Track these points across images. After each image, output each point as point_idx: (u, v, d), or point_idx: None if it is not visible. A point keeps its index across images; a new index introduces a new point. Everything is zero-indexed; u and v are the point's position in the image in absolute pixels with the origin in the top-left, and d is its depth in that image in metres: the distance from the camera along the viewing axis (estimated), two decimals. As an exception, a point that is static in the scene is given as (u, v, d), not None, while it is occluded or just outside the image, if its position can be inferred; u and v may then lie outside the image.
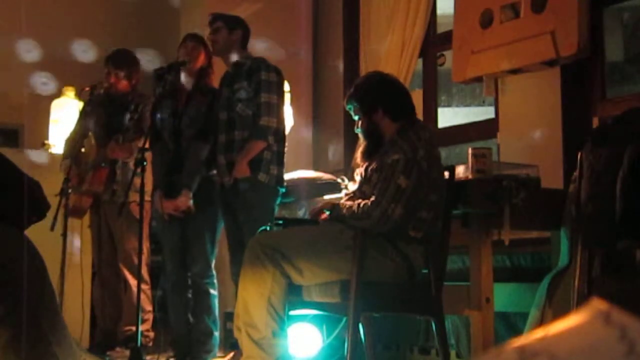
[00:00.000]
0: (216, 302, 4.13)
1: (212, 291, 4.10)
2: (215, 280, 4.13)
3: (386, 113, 3.14)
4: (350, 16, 5.48)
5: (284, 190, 3.93)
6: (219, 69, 4.18)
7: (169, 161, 4.11)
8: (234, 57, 4.01)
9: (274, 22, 5.45)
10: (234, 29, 4.01)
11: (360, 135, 3.26)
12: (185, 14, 5.65)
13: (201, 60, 4.15)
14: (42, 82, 5.69)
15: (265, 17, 5.34)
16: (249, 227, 3.69)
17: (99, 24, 6.01)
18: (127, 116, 4.43)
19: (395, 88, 3.26)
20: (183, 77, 4.16)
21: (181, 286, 4.15)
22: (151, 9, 6.23)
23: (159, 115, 4.14)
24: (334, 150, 5.49)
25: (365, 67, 5.18)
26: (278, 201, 3.93)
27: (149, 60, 5.14)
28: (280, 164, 3.91)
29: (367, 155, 3.15)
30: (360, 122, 3.20)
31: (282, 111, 3.95)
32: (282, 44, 5.42)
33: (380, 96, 3.17)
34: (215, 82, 4.18)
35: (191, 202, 4.00)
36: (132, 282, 4.30)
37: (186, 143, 4.09)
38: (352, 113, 3.26)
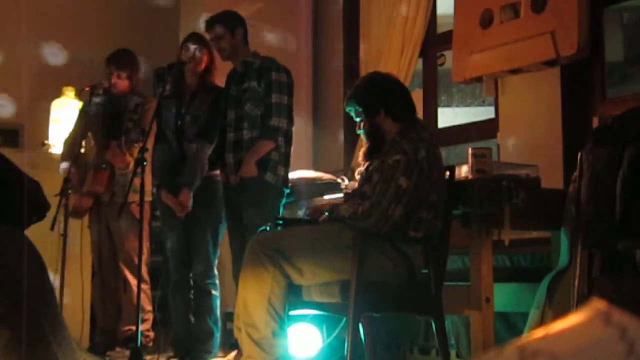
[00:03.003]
0: (218, 302, 4.13)
1: (213, 292, 4.10)
2: (217, 281, 4.13)
3: (388, 114, 3.13)
4: (350, 16, 5.48)
5: (288, 191, 3.93)
6: (224, 66, 4.17)
7: (172, 161, 4.11)
8: (242, 56, 4.00)
9: (274, 22, 5.45)
10: (234, 29, 3.99)
11: (362, 136, 3.25)
12: (185, 14, 5.65)
13: (204, 60, 4.14)
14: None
15: (265, 17, 5.34)
16: (253, 226, 3.69)
17: (98, 23, 6.00)
18: (127, 116, 4.42)
19: (396, 88, 3.25)
20: (187, 76, 4.16)
21: (182, 286, 4.15)
22: (151, 9, 6.22)
23: (163, 115, 4.14)
24: (334, 150, 5.49)
25: (365, 67, 5.17)
26: (283, 201, 3.93)
27: (148, 61, 5.14)
28: (286, 165, 3.92)
29: (369, 155, 3.15)
30: (362, 124, 3.19)
31: (292, 112, 3.96)
32: (282, 43, 5.42)
33: (381, 97, 3.16)
34: (219, 80, 4.17)
35: (190, 201, 4.00)
36: (132, 282, 4.29)
37: (189, 142, 4.09)
38: (352, 115, 3.25)
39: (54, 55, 5.88)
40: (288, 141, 3.93)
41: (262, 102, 3.86)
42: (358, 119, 3.20)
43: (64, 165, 4.47)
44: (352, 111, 3.23)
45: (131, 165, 4.21)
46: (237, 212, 3.92)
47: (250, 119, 3.88)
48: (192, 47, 4.12)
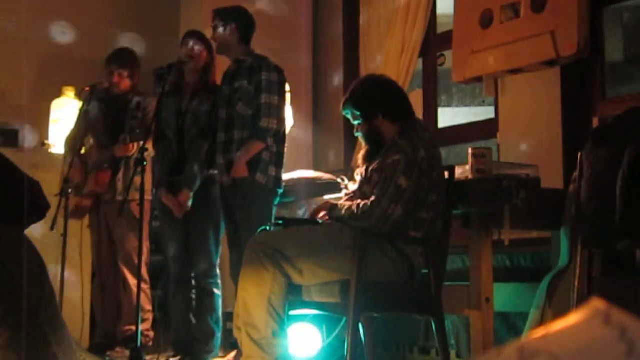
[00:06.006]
0: (220, 302, 4.12)
1: (215, 291, 4.09)
2: (219, 281, 4.12)
3: (386, 116, 3.13)
4: (351, 17, 5.48)
5: (281, 191, 3.91)
6: (223, 65, 4.16)
7: (172, 160, 4.11)
8: (236, 54, 3.98)
9: (274, 23, 5.45)
10: (227, 23, 3.96)
11: (361, 140, 3.25)
12: (185, 13, 5.65)
13: (203, 57, 4.12)
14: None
15: (265, 17, 5.33)
16: (246, 227, 3.69)
17: (98, 23, 6.01)
18: (129, 115, 4.42)
19: (391, 90, 3.24)
20: (187, 75, 4.15)
21: (183, 286, 4.15)
22: (151, 9, 6.22)
23: (163, 114, 4.13)
24: (334, 150, 5.49)
25: (365, 68, 5.18)
26: (276, 202, 3.91)
27: (148, 60, 5.14)
28: (279, 165, 3.88)
29: (369, 158, 3.15)
30: (360, 127, 3.19)
31: (283, 112, 3.92)
32: (283, 43, 5.41)
33: (378, 100, 3.15)
34: (219, 78, 4.16)
35: (190, 202, 4.00)
36: (132, 281, 4.29)
37: (189, 142, 4.09)
38: (350, 118, 3.24)
39: (54, 54, 5.88)
40: (280, 141, 3.89)
41: (254, 102, 3.84)
42: (356, 123, 3.20)
43: (68, 161, 4.44)
44: (349, 114, 3.22)
45: (134, 150, 4.21)
46: (232, 212, 3.91)
47: (241, 119, 3.86)
48: (190, 44, 4.11)
